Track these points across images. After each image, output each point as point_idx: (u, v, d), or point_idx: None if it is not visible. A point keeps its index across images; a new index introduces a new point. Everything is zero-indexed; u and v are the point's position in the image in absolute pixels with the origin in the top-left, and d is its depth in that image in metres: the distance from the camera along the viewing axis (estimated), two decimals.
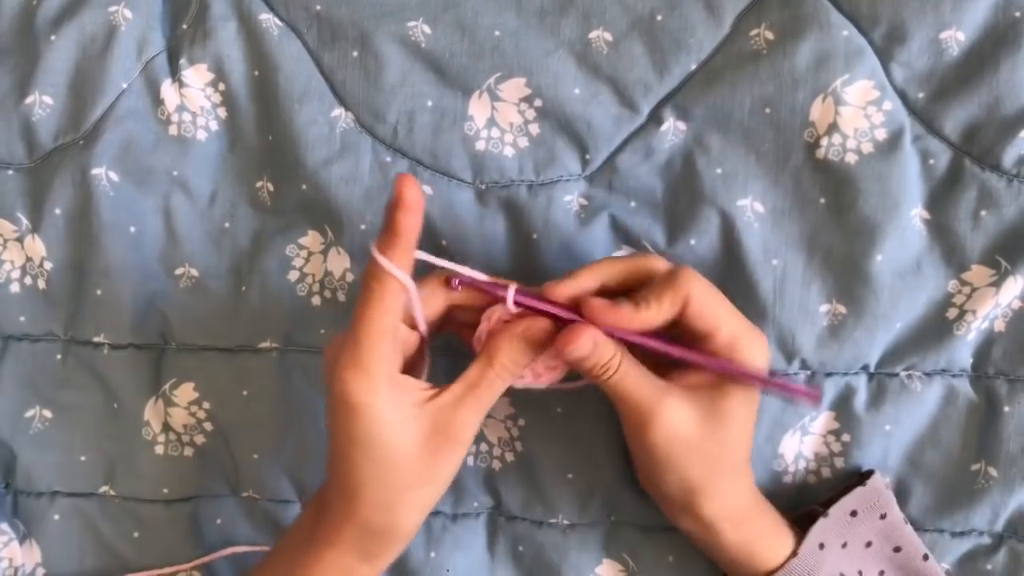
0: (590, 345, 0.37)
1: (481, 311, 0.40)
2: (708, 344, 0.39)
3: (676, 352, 0.38)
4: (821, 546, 0.41)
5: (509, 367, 0.38)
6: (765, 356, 0.39)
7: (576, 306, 0.38)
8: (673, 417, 0.38)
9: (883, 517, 0.43)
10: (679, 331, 0.39)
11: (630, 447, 0.42)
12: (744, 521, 0.41)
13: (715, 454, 0.39)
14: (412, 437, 0.38)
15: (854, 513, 0.42)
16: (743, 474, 0.41)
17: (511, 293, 0.39)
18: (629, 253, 0.45)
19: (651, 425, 0.38)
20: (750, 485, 0.42)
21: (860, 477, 0.44)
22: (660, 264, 0.40)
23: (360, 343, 0.37)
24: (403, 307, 0.38)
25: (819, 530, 0.41)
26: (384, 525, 0.39)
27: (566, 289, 0.38)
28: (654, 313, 0.38)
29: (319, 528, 0.40)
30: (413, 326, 0.40)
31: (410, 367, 0.41)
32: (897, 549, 0.43)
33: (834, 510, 0.42)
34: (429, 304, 0.40)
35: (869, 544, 0.43)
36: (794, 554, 0.41)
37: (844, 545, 0.42)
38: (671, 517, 0.43)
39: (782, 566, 0.41)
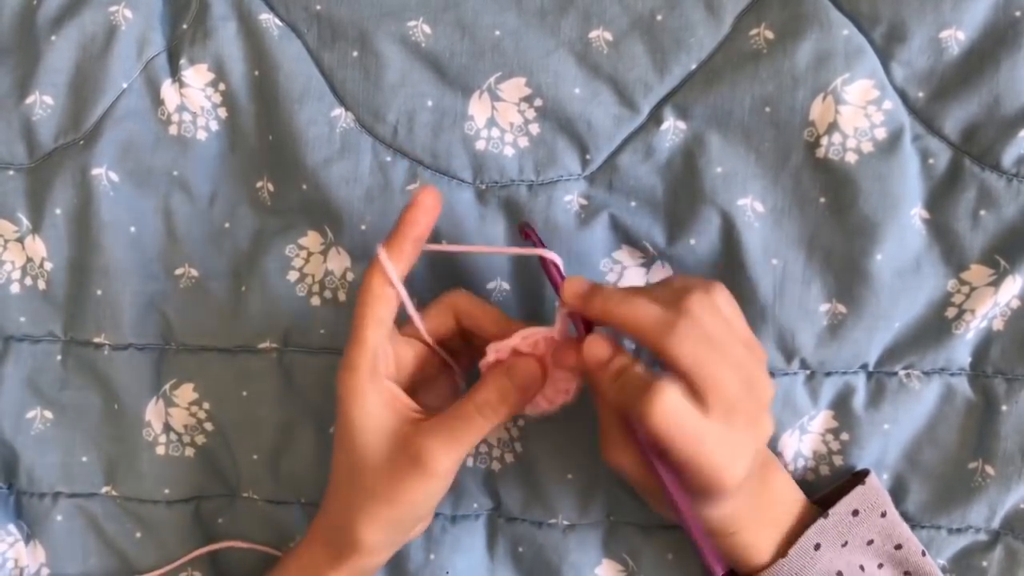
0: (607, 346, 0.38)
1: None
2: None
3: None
4: (817, 547, 0.41)
5: (492, 404, 0.38)
6: None
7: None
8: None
9: (884, 515, 0.43)
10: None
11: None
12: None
13: None
14: (381, 449, 0.38)
15: (856, 512, 0.42)
16: None
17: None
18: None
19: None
20: None
21: (855, 476, 0.44)
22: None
23: (350, 339, 0.38)
24: (395, 309, 0.39)
25: (816, 531, 0.41)
26: (344, 529, 0.39)
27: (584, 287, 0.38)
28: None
29: (310, 526, 0.42)
30: (428, 345, 0.41)
31: (432, 389, 0.42)
32: (898, 547, 0.43)
33: (835, 511, 0.42)
34: (438, 323, 0.41)
35: (871, 542, 0.43)
36: (783, 554, 0.41)
37: (844, 544, 0.42)
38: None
39: (768, 566, 0.40)
